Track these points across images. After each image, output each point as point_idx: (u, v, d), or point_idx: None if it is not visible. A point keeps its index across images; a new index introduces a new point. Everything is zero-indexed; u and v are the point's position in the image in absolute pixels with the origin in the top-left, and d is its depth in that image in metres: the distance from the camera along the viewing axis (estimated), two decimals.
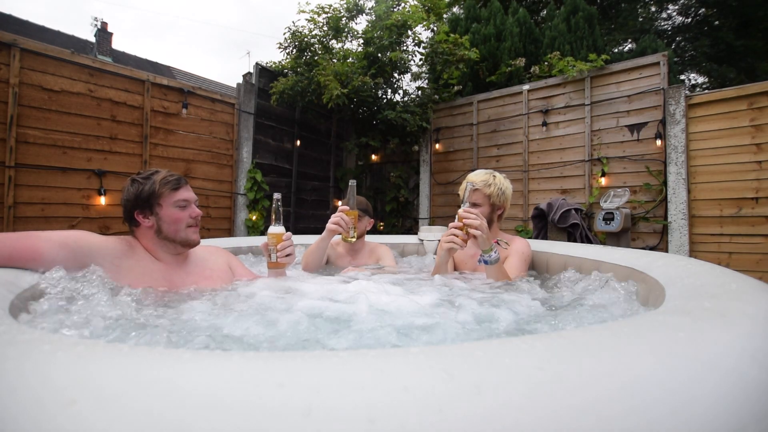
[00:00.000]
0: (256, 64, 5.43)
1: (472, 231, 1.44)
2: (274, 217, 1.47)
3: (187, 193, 1.30)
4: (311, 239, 2.27)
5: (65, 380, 0.39)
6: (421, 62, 5.66)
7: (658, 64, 4.05)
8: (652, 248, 3.96)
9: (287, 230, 1.50)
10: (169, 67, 15.98)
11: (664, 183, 3.92)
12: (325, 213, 6.09)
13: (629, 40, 10.38)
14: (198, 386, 0.37)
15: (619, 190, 4.07)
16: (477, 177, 1.71)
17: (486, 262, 1.47)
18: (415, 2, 5.62)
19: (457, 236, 1.46)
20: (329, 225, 1.66)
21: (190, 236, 1.30)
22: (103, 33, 14.62)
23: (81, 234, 1.14)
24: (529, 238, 3.10)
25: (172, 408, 0.35)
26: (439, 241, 2.10)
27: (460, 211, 1.50)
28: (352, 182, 1.66)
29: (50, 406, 0.36)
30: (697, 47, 10.57)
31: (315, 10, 5.26)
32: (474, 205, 1.68)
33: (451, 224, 1.51)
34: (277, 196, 1.47)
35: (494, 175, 1.72)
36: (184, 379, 0.38)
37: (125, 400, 0.36)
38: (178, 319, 0.94)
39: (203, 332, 0.83)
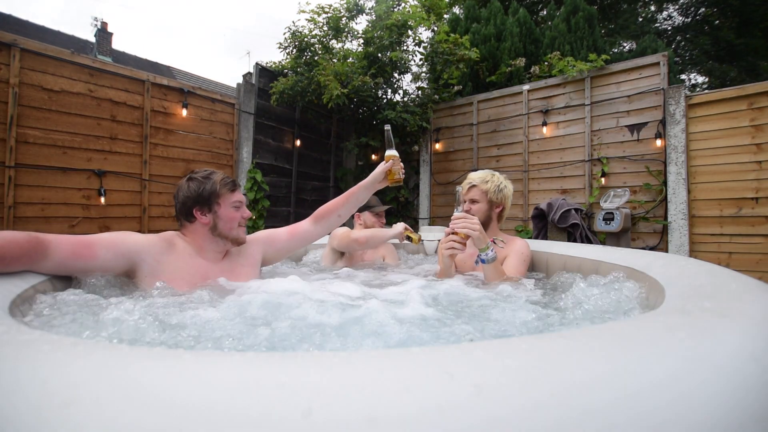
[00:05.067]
0: (256, 64, 5.43)
1: (466, 232, 1.46)
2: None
3: (240, 196, 1.40)
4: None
5: (62, 381, 0.38)
6: (421, 62, 5.66)
7: (658, 64, 4.05)
8: (652, 248, 3.96)
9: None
10: (169, 67, 15.96)
11: (664, 183, 3.92)
12: None
13: (629, 41, 10.38)
14: (198, 387, 0.37)
15: (619, 190, 4.07)
16: (475, 175, 1.77)
17: (483, 261, 1.45)
18: (415, 2, 5.61)
19: (455, 240, 1.50)
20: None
21: (241, 234, 1.41)
22: (103, 33, 14.61)
23: (125, 234, 1.22)
24: (529, 238, 3.10)
25: (171, 409, 0.35)
26: (438, 240, 2.11)
27: (454, 214, 1.54)
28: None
29: (46, 408, 0.35)
30: (697, 46, 10.56)
31: (315, 10, 5.26)
32: (472, 201, 1.74)
33: (446, 230, 1.54)
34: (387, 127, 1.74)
35: (493, 174, 1.77)
36: (184, 380, 0.38)
37: (124, 401, 0.36)
38: (209, 318, 0.91)
39: (228, 330, 0.84)
